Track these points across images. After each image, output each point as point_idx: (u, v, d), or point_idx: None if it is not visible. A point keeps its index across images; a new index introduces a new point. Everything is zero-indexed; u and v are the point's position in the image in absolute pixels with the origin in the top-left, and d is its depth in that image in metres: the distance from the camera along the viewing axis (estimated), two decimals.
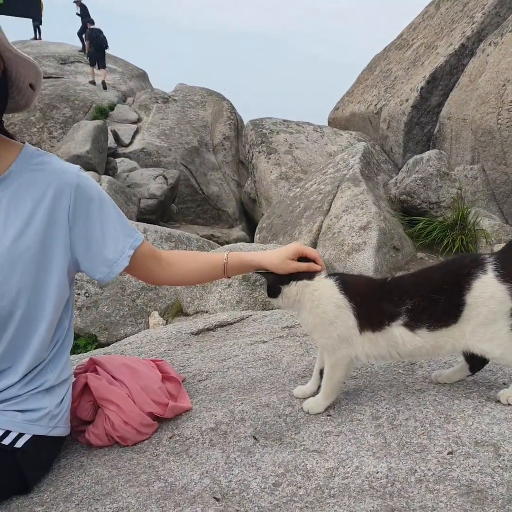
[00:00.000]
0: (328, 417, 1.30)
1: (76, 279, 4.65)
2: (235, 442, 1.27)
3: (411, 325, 1.22)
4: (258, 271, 1.38)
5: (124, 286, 4.55)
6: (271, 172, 7.72)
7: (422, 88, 7.77)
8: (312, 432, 1.24)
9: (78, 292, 4.43)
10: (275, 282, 1.35)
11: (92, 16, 15.20)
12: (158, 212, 10.49)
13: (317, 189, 5.57)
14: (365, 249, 4.36)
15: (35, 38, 16.94)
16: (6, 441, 1.16)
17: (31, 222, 1.17)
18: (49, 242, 1.19)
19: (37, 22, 16.77)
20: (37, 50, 14.94)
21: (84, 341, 4.17)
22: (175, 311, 4.18)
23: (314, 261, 1.34)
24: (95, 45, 13.82)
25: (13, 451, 1.17)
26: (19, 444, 1.18)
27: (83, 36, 14.90)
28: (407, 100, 7.95)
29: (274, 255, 1.34)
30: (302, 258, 1.35)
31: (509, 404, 1.23)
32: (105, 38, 13.99)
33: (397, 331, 1.22)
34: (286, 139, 8.08)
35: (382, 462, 1.10)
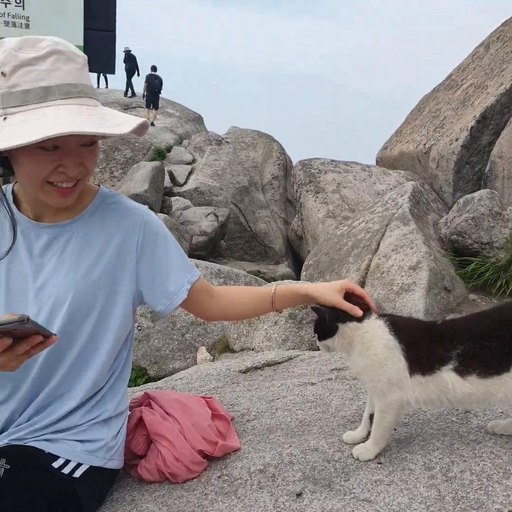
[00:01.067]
0: (379, 465, 1.27)
1: None
2: (284, 485, 1.26)
3: (461, 370, 1.20)
4: (314, 305, 1.36)
5: (175, 320, 4.64)
6: (318, 210, 7.78)
7: (472, 127, 7.70)
8: (362, 479, 1.22)
9: None
10: (333, 319, 1.30)
11: (155, 62, 16.34)
12: (208, 248, 10.71)
13: (365, 227, 5.56)
14: (415, 290, 4.28)
15: (98, 86, 17.87)
16: (66, 470, 1.21)
17: (103, 255, 1.25)
18: (118, 275, 1.27)
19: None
20: (104, 98, 15.90)
21: (134, 374, 4.26)
22: (222, 347, 4.21)
23: (361, 299, 1.34)
24: (150, 89, 14.98)
25: (72, 480, 1.21)
26: (77, 474, 1.22)
27: (131, 81, 16.53)
28: (457, 140, 7.89)
29: (321, 284, 1.38)
30: (348, 296, 1.33)
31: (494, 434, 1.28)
32: (159, 83, 15.07)
33: (447, 376, 1.21)
34: (334, 178, 8.15)
35: None
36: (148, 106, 15.25)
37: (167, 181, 11.83)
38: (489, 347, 1.18)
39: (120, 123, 1.12)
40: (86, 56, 1.16)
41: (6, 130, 1.05)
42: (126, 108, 15.68)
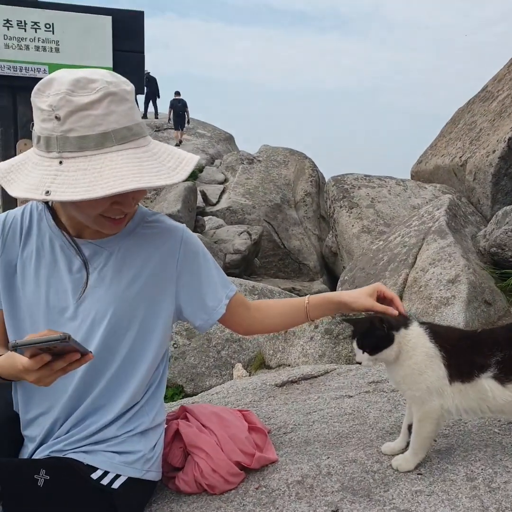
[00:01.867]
0: (419, 476, 1.25)
1: None
2: (322, 496, 1.25)
3: (501, 378, 1.18)
4: (349, 317, 1.37)
5: (210, 337, 4.67)
6: (352, 225, 7.72)
7: (509, 138, 7.54)
8: (402, 490, 1.20)
9: None
10: (390, 327, 1.24)
11: (184, 83, 17.12)
12: (242, 266, 10.75)
13: (401, 241, 5.48)
14: (454, 303, 4.18)
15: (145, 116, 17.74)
16: (104, 482, 1.22)
17: (142, 272, 1.28)
18: (158, 291, 1.30)
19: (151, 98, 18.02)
20: None
21: (171, 392, 4.28)
22: (258, 364, 4.20)
23: (391, 301, 1.34)
24: (175, 113, 15.92)
25: (110, 492, 1.22)
26: (116, 485, 1.23)
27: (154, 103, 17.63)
28: (494, 152, 7.74)
29: (353, 290, 1.38)
30: (380, 300, 1.33)
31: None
32: (183, 106, 16.07)
33: (486, 384, 1.19)
34: (368, 193, 8.09)
35: None
36: (176, 128, 16.09)
37: (199, 201, 11.98)
38: None
39: (176, 165, 1.12)
40: (133, 87, 1.15)
41: (65, 177, 1.04)
42: (157, 130, 16.11)
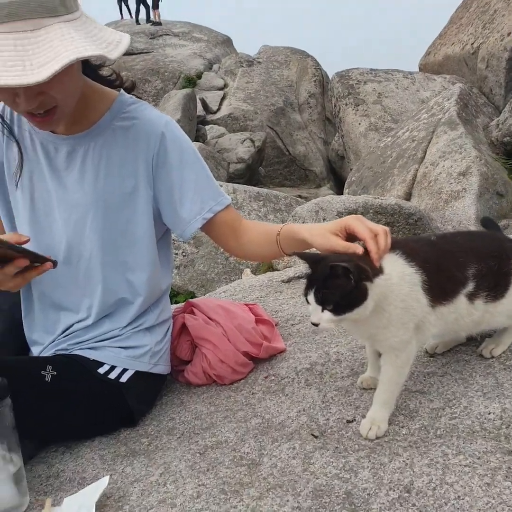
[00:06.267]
0: (431, 358, 1.22)
1: (173, 240, 4.85)
2: (332, 382, 1.23)
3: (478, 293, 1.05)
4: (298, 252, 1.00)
5: (218, 245, 4.65)
6: (359, 124, 7.40)
7: None
8: (413, 373, 1.17)
9: (176, 251, 4.61)
10: (360, 276, 0.89)
11: None
12: (247, 176, 10.54)
13: (409, 136, 5.25)
14: (465, 196, 4.05)
15: (122, 17, 17.51)
16: (112, 376, 1.22)
17: (121, 172, 1.18)
18: (137, 193, 1.20)
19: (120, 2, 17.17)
20: (129, 28, 15.37)
21: (183, 298, 4.34)
22: (266, 268, 4.20)
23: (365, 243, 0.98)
24: None
25: (118, 385, 1.22)
26: (124, 379, 1.23)
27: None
28: (509, 34, 7.20)
29: (316, 225, 1.08)
30: (351, 239, 1.01)
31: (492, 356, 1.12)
32: None
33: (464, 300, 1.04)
34: (374, 88, 7.68)
35: (495, 403, 1.01)
36: (155, 7, 16.14)
37: (200, 110, 11.49)
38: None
39: (45, 61, 0.88)
40: None
41: None
42: (152, 37, 15.11)
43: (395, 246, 1.00)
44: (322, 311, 0.92)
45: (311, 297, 0.93)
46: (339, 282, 0.89)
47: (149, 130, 1.19)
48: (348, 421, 1.07)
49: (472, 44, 8.54)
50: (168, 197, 1.22)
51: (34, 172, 1.21)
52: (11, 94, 0.97)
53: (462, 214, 3.95)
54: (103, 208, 1.19)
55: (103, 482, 1.02)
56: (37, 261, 1.05)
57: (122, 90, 1.25)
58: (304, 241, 1.08)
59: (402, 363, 1.02)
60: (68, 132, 1.18)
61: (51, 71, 0.87)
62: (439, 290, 1.01)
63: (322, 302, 0.91)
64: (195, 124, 10.65)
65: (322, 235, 1.02)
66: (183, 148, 1.22)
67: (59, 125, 1.14)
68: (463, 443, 0.93)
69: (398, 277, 0.97)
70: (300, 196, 10.89)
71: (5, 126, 1.21)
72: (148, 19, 16.33)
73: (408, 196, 4.62)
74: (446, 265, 1.03)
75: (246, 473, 1.00)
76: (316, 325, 0.93)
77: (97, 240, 1.20)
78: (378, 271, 0.94)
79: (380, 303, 0.94)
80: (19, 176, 1.21)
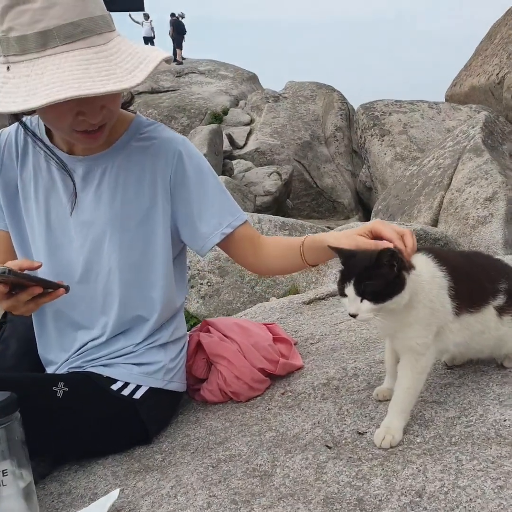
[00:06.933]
0: (449, 370, 1.20)
1: (198, 270, 4.90)
2: (348, 395, 1.22)
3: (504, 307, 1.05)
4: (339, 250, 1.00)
5: (243, 274, 4.66)
6: (385, 154, 7.44)
7: None
8: (430, 384, 1.16)
9: (201, 281, 4.63)
10: (401, 263, 0.92)
11: (201, 26, 16.89)
12: (274, 208, 10.62)
13: (435, 164, 5.25)
14: (492, 221, 4.00)
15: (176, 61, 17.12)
16: (125, 392, 1.22)
17: (139, 191, 1.20)
18: (155, 210, 1.22)
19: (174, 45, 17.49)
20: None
21: None
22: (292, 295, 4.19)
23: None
24: (177, 30, 16.72)
25: (132, 401, 1.22)
26: (137, 395, 1.23)
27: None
28: None
29: (340, 232, 1.13)
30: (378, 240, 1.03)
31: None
32: (183, 24, 16.99)
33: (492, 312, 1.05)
34: (399, 119, 7.74)
35: (510, 410, 0.99)
36: (178, 47, 16.76)
37: (226, 145, 11.69)
38: None
39: (134, 67, 0.97)
40: None
41: (11, 85, 0.94)
42: (178, 75, 15.42)
43: (428, 250, 1.05)
44: (362, 301, 0.93)
45: (349, 289, 0.93)
46: (383, 271, 0.92)
47: (167, 148, 1.21)
48: (360, 433, 1.06)
49: (497, 74, 8.56)
50: (187, 213, 1.24)
51: (50, 192, 1.22)
52: (73, 113, 1.01)
53: (490, 239, 3.90)
54: (120, 227, 1.20)
55: (113, 495, 1.01)
56: (49, 287, 1.07)
57: (138, 113, 1.29)
58: (326, 244, 1.09)
59: (421, 368, 1.01)
60: (84, 152, 1.20)
61: (145, 73, 0.96)
62: (467, 298, 1.02)
63: (363, 292, 0.92)
64: (222, 159, 10.83)
65: (348, 236, 1.05)
66: (200, 165, 1.25)
67: (102, 141, 1.15)
68: (478, 449, 0.91)
69: (429, 277, 1.00)
70: (329, 228, 10.92)
71: (36, 138, 1.22)
72: (174, 58, 16.90)
73: (434, 223, 4.59)
74: (477, 276, 1.06)
75: (258, 483, 0.99)
76: (354, 316, 0.94)
77: (115, 258, 1.21)
78: (411, 265, 0.97)
79: (411, 299, 0.96)
80: (35, 197, 1.23)
